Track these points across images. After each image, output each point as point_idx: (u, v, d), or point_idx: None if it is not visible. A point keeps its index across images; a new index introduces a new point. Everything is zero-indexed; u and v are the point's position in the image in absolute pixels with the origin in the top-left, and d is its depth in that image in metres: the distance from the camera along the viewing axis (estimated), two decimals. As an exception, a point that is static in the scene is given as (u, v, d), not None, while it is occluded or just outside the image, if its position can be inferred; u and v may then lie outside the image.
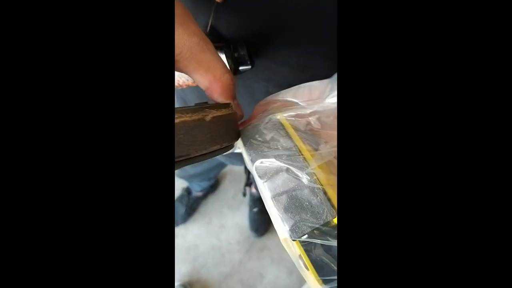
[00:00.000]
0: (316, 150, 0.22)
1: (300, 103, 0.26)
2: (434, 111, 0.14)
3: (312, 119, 0.24)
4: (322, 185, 0.20)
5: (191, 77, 0.22)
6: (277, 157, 0.21)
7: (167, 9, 0.16)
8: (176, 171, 0.89)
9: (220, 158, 0.62)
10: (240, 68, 0.34)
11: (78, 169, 0.15)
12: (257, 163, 0.22)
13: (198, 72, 0.21)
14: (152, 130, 0.15)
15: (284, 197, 0.20)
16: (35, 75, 0.15)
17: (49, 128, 0.15)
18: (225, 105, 0.21)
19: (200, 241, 1.21)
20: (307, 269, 0.20)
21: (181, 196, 1.22)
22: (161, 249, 0.16)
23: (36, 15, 0.15)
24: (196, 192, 1.20)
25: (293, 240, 0.20)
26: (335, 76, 0.26)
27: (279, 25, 0.32)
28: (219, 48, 0.32)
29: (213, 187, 1.26)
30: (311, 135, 0.23)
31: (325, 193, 0.20)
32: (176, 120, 0.17)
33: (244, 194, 1.01)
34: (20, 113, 0.14)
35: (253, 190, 1.22)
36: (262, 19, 0.32)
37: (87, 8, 0.15)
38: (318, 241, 0.20)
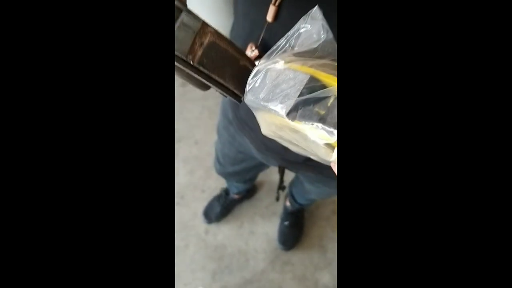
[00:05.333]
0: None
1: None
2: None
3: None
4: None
5: None
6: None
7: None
8: (216, 167, 0.96)
9: (257, 155, 0.66)
10: None
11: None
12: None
13: None
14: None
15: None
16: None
17: (50, 112, 0.15)
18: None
19: (229, 242, 1.26)
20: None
21: (219, 196, 1.29)
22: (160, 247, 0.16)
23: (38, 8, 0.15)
24: (233, 194, 1.26)
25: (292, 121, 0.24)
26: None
27: None
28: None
29: (249, 193, 1.31)
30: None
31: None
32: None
33: (277, 199, 1.03)
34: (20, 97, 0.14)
35: (287, 203, 1.24)
36: None
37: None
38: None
